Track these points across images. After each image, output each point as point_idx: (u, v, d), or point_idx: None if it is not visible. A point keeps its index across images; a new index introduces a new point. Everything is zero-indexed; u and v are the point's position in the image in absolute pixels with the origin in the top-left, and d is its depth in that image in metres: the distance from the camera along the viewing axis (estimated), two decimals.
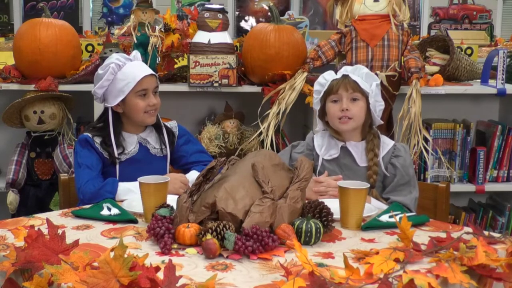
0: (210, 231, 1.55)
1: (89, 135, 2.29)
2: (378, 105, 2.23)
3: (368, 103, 2.20)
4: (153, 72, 2.32)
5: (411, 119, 2.81)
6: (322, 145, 2.29)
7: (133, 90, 2.26)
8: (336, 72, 2.28)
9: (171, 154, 2.41)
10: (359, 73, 2.21)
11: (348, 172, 2.22)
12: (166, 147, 2.38)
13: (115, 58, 2.29)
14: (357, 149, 2.24)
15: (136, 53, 2.35)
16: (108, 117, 2.30)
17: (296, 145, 2.38)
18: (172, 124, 2.47)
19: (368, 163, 2.20)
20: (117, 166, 2.28)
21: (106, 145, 2.27)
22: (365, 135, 2.24)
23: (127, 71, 2.27)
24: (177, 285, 1.30)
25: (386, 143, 2.25)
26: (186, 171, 2.39)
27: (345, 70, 2.24)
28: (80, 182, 2.20)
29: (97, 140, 2.28)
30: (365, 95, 2.20)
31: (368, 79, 2.22)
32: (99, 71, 2.30)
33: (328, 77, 2.25)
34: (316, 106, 2.30)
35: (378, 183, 2.22)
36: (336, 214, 1.77)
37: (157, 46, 2.97)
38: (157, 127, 2.38)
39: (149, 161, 2.32)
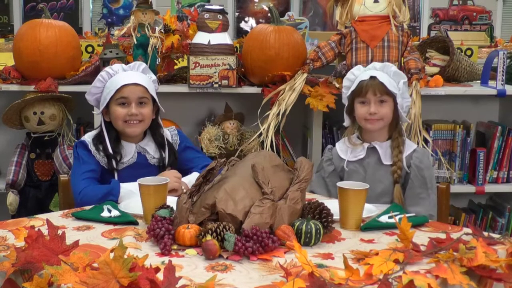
0: (210, 232, 1.55)
1: (87, 140, 2.29)
2: (405, 101, 2.30)
3: (395, 103, 2.24)
4: (140, 82, 2.28)
5: (411, 120, 2.81)
6: (347, 149, 2.34)
7: (113, 97, 2.27)
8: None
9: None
10: (387, 71, 2.26)
11: (371, 171, 2.26)
12: (165, 157, 2.35)
13: (110, 67, 2.32)
14: (382, 148, 2.28)
15: (137, 64, 2.35)
16: (104, 124, 2.31)
17: (320, 167, 2.41)
18: (172, 132, 2.45)
19: (393, 159, 2.26)
20: (116, 174, 2.27)
21: (104, 152, 2.27)
22: (391, 133, 2.30)
23: (115, 79, 2.28)
24: (177, 286, 1.30)
25: (409, 145, 2.31)
26: (185, 176, 2.36)
27: (374, 67, 2.29)
28: (80, 186, 2.18)
29: (97, 146, 2.27)
30: (392, 96, 2.24)
31: (396, 77, 2.28)
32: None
33: (356, 72, 2.31)
34: (345, 101, 2.35)
35: (400, 183, 2.25)
36: (336, 215, 1.77)
37: (157, 47, 2.97)
38: (157, 141, 2.36)
39: (146, 171, 2.25)
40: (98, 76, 2.31)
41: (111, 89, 2.27)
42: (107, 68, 2.32)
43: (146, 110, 2.30)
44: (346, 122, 2.38)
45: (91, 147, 2.27)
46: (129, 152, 2.31)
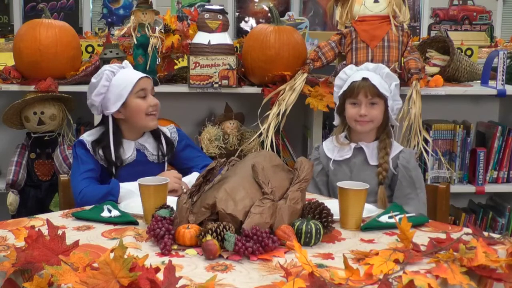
0: (210, 232, 1.55)
1: (86, 139, 2.28)
2: (395, 104, 2.29)
3: (386, 105, 2.23)
4: (148, 75, 2.35)
5: (411, 120, 2.81)
6: (334, 148, 2.32)
7: (132, 91, 2.27)
8: (356, 64, 2.31)
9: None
10: (380, 72, 2.25)
11: (357, 172, 2.25)
12: (164, 155, 2.36)
13: (107, 67, 2.32)
14: (368, 149, 2.27)
15: (127, 63, 2.38)
16: (108, 126, 2.29)
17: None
18: (171, 129, 2.45)
19: (379, 161, 2.25)
20: (114, 172, 2.27)
21: (105, 155, 2.25)
22: (379, 134, 2.30)
23: (122, 76, 2.29)
24: (177, 286, 1.30)
25: (395, 146, 2.30)
26: (185, 175, 2.37)
27: (366, 68, 2.28)
28: (80, 186, 2.18)
29: (96, 149, 2.26)
30: (384, 98, 2.24)
31: (388, 80, 2.27)
32: (93, 80, 2.30)
33: (349, 72, 2.30)
34: (335, 100, 2.35)
35: (385, 184, 2.24)
36: (336, 215, 1.77)
37: (157, 47, 2.97)
38: (156, 135, 2.36)
39: (146, 168, 2.27)
40: (102, 76, 2.28)
41: (126, 84, 2.26)
42: (106, 67, 2.31)
43: (158, 101, 2.33)
44: (336, 121, 2.38)
45: (89, 147, 2.26)
46: (128, 149, 2.31)
